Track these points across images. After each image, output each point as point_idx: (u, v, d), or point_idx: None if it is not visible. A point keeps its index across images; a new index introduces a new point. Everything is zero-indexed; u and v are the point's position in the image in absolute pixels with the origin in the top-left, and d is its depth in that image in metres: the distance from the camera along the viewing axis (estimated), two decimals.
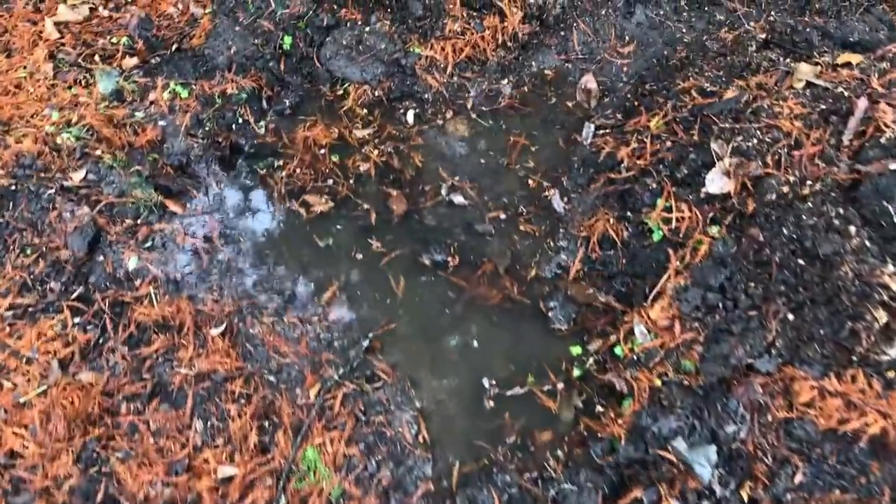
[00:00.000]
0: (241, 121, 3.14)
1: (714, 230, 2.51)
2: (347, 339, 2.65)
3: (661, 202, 2.63)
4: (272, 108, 3.20)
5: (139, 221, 2.86)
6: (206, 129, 3.11)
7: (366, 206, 2.97)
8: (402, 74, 3.27)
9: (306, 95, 3.27)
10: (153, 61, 3.35)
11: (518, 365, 2.59)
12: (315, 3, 3.33)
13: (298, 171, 3.05)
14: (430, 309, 2.72)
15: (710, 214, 2.54)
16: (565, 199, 2.97)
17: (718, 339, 2.37)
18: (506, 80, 3.34)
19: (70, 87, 3.23)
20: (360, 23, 3.32)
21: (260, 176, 3.03)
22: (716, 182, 2.52)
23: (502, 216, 2.95)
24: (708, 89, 2.81)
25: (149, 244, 2.82)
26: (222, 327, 2.60)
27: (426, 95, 3.27)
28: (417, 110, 3.24)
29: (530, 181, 3.05)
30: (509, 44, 3.38)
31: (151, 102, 3.17)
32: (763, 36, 2.94)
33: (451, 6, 3.34)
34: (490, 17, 3.37)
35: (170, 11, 3.55)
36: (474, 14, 3.37)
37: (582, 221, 2.87)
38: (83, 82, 3.25)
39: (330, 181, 3.03)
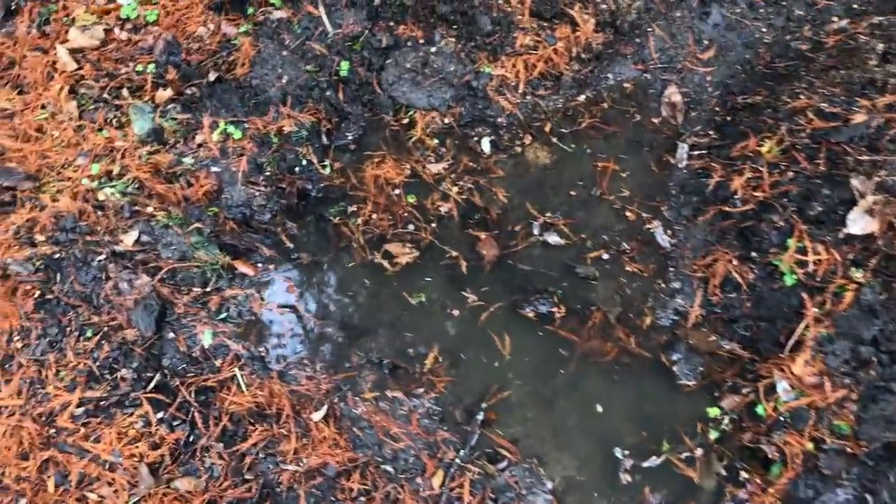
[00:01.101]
0: (304, 162, 2.81)
1: (858, 274, 2.30)
2: (460, 411, 2.41)
3: (792, 242, 2.41)
4: (334, 144, 2.88)
5: (208, 289, 2.55)
6: (267, 174, 2.77)
7: (453, 252, 2.70)
8: (472, 98, 2.97)
9: (369, 126, 2.94)
10: (189, 92, 2.98)
11: (648, 429, 2.38)
12: (370, 20, 2.98)
13: (374, 216, 2.75)
14: (542, 369, 2.48)
15: (852, 256, 2.32)
16: (669, 232, 2.73)
17: (876, 398, 2.18)
18: (583, 97, 3.05)
19: (101, 130, 2.86)
20: (422, 42, 2.98)
21: (334, 224, 2.73)
22: (858, 222, 2.29)
23: (604, 255, 2.70)
24: (826, 110, 2.57)
25: (223, 315, 2.51)
26: (323, 410, 2.33)
27: (500, 119, 2.98)
28: (492, 137, 2.95)
29: (628, 213, 2.80)
30: (583, 55, 3.09)
31: (200, 145, 2.82)
32: (881, 47, 2.69)
33: (520, 17, 3.02)
34: (562, 27, 3.07)
35: (198, 32, 3.16)
36: (545, 25, 3.06)
37: (695, 259, 2.63)
38: (115, 122, 2.88)
39: (410, 226, 2.74)
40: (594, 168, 2.91)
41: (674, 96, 3.06)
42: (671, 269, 2.67)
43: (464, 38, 3.00)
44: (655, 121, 3.01)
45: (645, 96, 3.07)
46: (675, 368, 2.48)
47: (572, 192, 2.85)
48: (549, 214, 2.79)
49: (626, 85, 3.09)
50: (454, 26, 3.00)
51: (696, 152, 2.89)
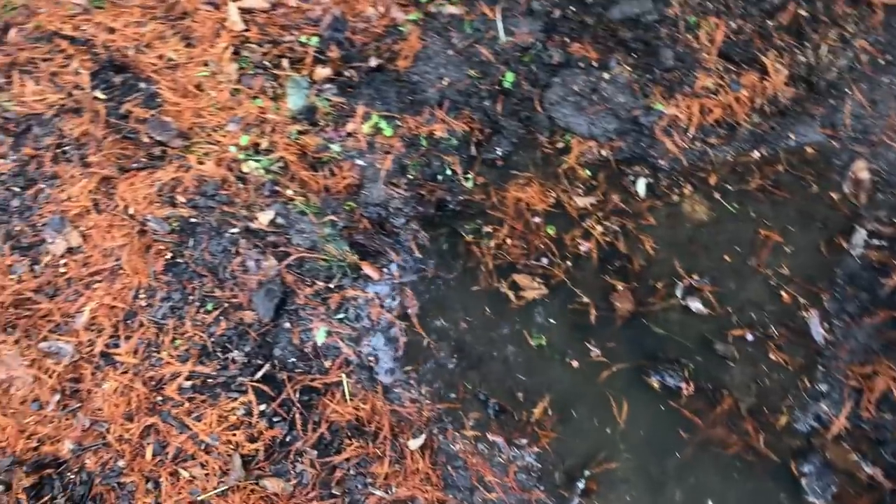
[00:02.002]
0: (448, 171, 2.69)
1: None
2: (560, 473, 2.26)
3: None
4: (481, 157, 2.74)
5: (332, 285, 2.48)
6: (410, 177, 2.67)
7: (585, 298, 2.51)
8: (636, 133, 2.74)
9: (521, 143, 2.78)
10: (347, 75, 2.89)
11: None
12: (544, 33, 2.79)
13: (509, 241, 2.60)
14: (656, 447, 2.29)
15: None
16: (827, 326, 2.45)
17: None
18: (757, 153, 2.77)
19: (256, 98, 2.82)
20: (595, 65, 2.77)
21: (465, 243, 2.60)
22: None
23: (748, 336, 2.46)
24: None
25: (341, 315, 2.44)
26: (421, 439, 2.23)
27: (661, 162, 2.74)
28: (650, 180, 2.72)
29: (783, 293, 2.53)
30: (767, 108, 2.80)
31: (349, 134, 2.74)
32: None
33: (706, 57, 2.75)
34: (749, 74, 2.78)
35: (367, 13, 3.07)
36: (732, 69, 2.78)
37: (851, 365, 2.35)
38: (270, 92, 2.84)
39: (544, 260, 2.57)
40: (755, 235, 2.65)
41: (861, 172, 2.74)
42: (821, 368, 2.40)
43: (640, 69, 2.78)
44: (834, 196, 2.71)
45: (827, 166, 2.76)
46: (803, 481, 2.24)
47: (726, 257, 2.61)
48: (695, 277, 2.56)
49: (808, 149, 2.79)
50: (633, 55, 2.78)
51: (876, 242, 2.58)
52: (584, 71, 2.79)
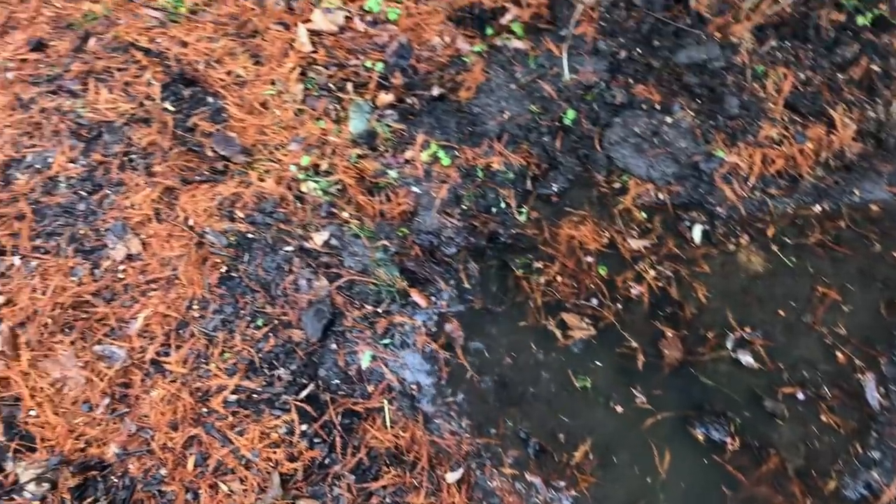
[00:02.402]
0: (502, 204, 2.69)
1: None
2: None
3: None
4: (536, 192, 2.73)
5: (380, 309, 2.49)
6: (464, 208, 2.68)
7: (633, 343, 2.48)
8: (695, 179, 2.71)
9: (577, 181, 2.76)
10: (409, 102, 2.93)
11: None
12: (609, 73, 2.78)
13: (559, 278, 2.58)
14: (697, 501, 2.23)
15: None
16: (883, 391, 2.37)
17: None
18: (819, 207, 2.71)
19: (318, 119, 2.86)
20: (658, 108, 2.75)
21: (515, 277, 2.59)
22: None
23: (799, 395, 2.39)
24: None
25: (387, 340, 2.45)
26: (459, 473, 2.22)
27: (719, 209, 2.70)
28: (707, 227, 2.68)
29: (838, 353, 2.46)
30: (832, 162, 2.74)
31: (407, 161, 2.76)
32: None
33: (772, 107, 2.72)
34: (816, 126, 2.73)
35: (433, 42, 3.10)
36: (798, 120, 2.74)
37: None
38: (333, 114, 2.89)
39: (594, 300, 2.55)
40: (812, 291, 2.59)
41: None
42: (874, 434, 2.33)
43: (704, 115, 2.75)
44: None
45: (892, 225, 2.69)
46: None
47: (780, 312, 2.56)
48: (747, 329, 2.52)
49: (873, 207, 2.73)
50: (697, 100, 2.76)
51: None
52: (647, 113, 2.78)
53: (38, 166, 2.75)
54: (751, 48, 2.79)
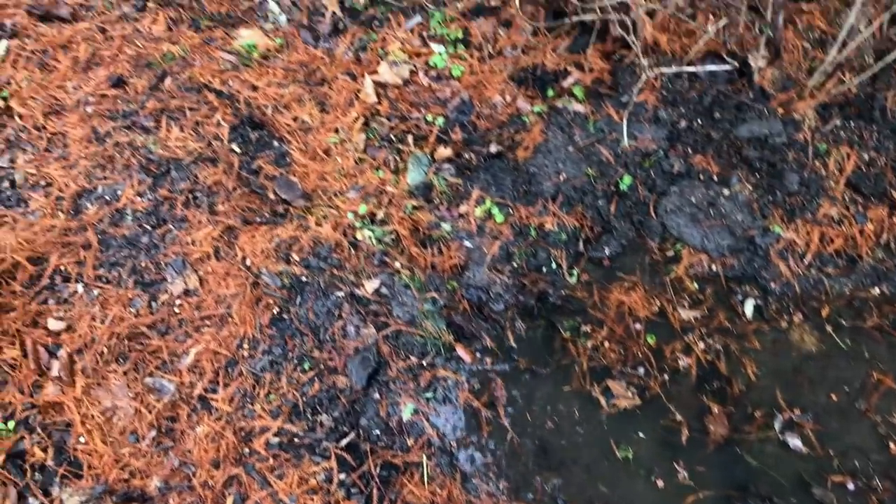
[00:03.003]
0: (553, 265, 2.70)
1: None
2: None
3: None
4: (588, 255, 2.73)
5: (424, 362, 2.50)
6: (514, 265, 2.69)
7: (679, 416, 2.44)
8: (750, 253, 2.68)
9: (629, 247, 2.76)
10: (466, 157, 2.97)
11: None
12: (668, 141, 2.79)
13: (607, 344, 2.56)
14: None
15: None
16: None
17: None
18: (878, 290, 2.65)
19: (378, 169, 2.92)
20: (715, 180, 2.75)
21: (562, 339, 2.58)
22: None
23: (849, 484, 2.31)
24: None
25: (429, 394, 2.46)
26: None
27: (773, 285, 2.66)
28: (760, 302, 2.64)
29: (892, 444, 2.37)
30: (893, 245, 2.68)
31: (461, 215, 2.80)
32: None
33: (832, 185, 2.68)
34: (878, 208, 2.69)
35: (494, 100, 3.16)
36: (859, 200, 2.69)
37: None
38: (392, 165, 2.94)
39: (641, 369, 2.52)
40: (867, 377, 2.52)
41: None
42: None
43: (762, 190, 2.74)
44: None
45: None
46: None
47: (832, 395, 2.49)
48: (797, 411, 2.46)
49: None
50: (756, 174, 2.75)
51: None
52: (704, 184, 2.78)
53: (107, 198, 2.87)
54: (814, 126, 2.78)
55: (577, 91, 3.00)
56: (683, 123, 2.83)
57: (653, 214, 2.78)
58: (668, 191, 2.77)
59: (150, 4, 3.47)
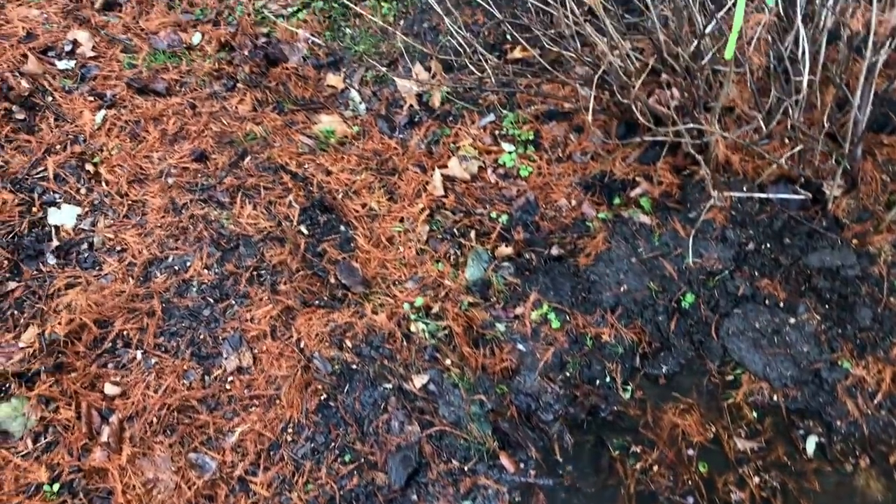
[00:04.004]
0: (607, 378, 2.63)
1: None
2: None
3: None
4: (644, 371, 2.65)
5: (466, 467, 2.45)
6: (567, 375, 2.64)
7: None
8: (815, 387, 2.56)
9: (687, 366, 2.67)
10: (526, 257, 2.96)
11: None
12: (734, 262, 2.73)
13: (656, 468, 2.46)
14: None
15: None
16: None
17: None
18: None
19: (438, 261, 2.94)
20: (782, 307, 2.66)
21: (610, 457, 2.49)
22: None
23: None
24: None
25: (468, 502, 2.38)
26: None
27: (839, 423, 2.52)
28: (822, 440, 2.51)
29: None
30: None
31: (517, 317, 2.77)
32: None
33: None
34: None
35: (560, 202, 3.17)
36: None
37: None
38: (452, 258, 2.96)
39: (690, 499, 2.40)
40: None
41: None
42: None
43: (831, 321, 2.64)
44: None
45: None
46: None
47: None
48: None
49: None
50: (825, 305, 2.66)
51: None
52: (769, 310, 2.70)
53: (176, 268, 2.96)
54: (890, 261, 2.69)
55: (645, 202, 3.00)
56: (751, 245, 2.78)
57: (714, 335, 2.71)
58: (732, 313, 2.71)
59: (240, 85, 3.66)
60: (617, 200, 3.06)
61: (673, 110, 2.95)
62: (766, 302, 2.70)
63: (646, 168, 3.10)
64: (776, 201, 2.79)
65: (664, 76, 3.17)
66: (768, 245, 2.78)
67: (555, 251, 2.99)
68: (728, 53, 2.06)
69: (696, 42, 2.60)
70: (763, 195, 2.77)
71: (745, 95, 2.95)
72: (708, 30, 2.59)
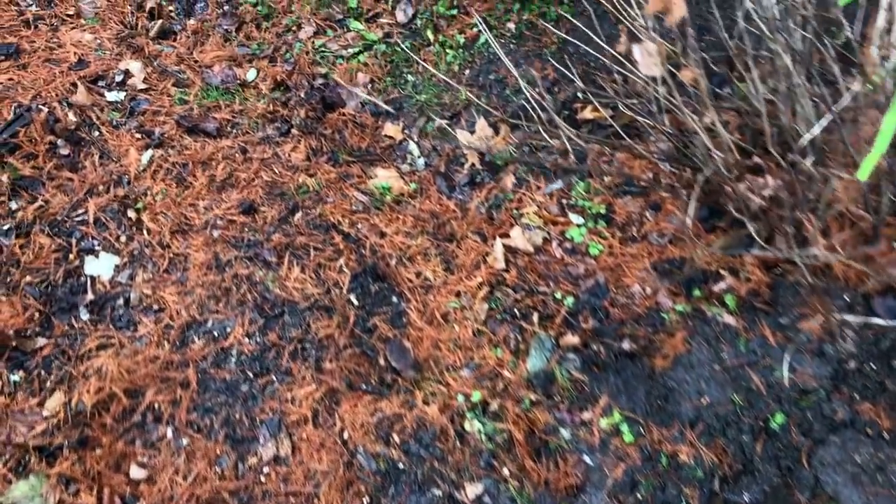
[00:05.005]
0: (682, 503, 2.32)
1: None
2: None
3: None
4: (724, 495, 2.35)
5: None
6: (639, 497, 2.35)
7: None
8: None
9: (772, 495, 2.37)
10: (595, 348, 2.68)
11: None
12: (832, 381, 2.42)
13: None
14: None
15: None
16: None
17: None
18: None
19: (496, 347, 2.67)
20: (886, 437, 2.34)
21: None
22: None
23: None
24: None
25: None
26: None
27: None
28: None
29: None
30: None
31: (584, 423, 2.49)
32: None
33: None
34: None
35: (632, 288, 2.88)
36: None
37: None
38: (512, 344, 2.69)
39: None
40: None
41: None
42: None
43: None
44: None
45: None
46: None
47: None
48: None
49: None
50: None
51: None
52: (872, 441, 2.39)
53: (215, 333, 2.74)
54: None
55: (729, 300, 2.70)
56: (853, 364, 2.47)
57: (805, 463, 2.40)
58: (827, 440, 2.40)
59: (294, 131, 3.45)
60: (697, 292, 2.76)
61: (767, 200, 2.66)
62: (868, 431, 2.39)
63: (731, 260, 2.81)
64: (884, 314, 2.48)
65: (756, 157, 2.89)
66: (872, 365, 2.47)
67: (626, 345, 2.71)
68: (863, 174, 1.77)
69: (806, 139, 2.31)
70: (868, 319, 2.46)
71: (851, 192, 2.64)
72: (818, 130, 2.30)
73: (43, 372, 2.62)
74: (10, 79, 3.54)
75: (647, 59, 2.16)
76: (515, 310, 2.88)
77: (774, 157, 2.59)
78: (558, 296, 2.91)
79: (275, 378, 2.63)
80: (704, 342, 2.64)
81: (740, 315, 2.68)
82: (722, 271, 2.83)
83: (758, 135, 2.71)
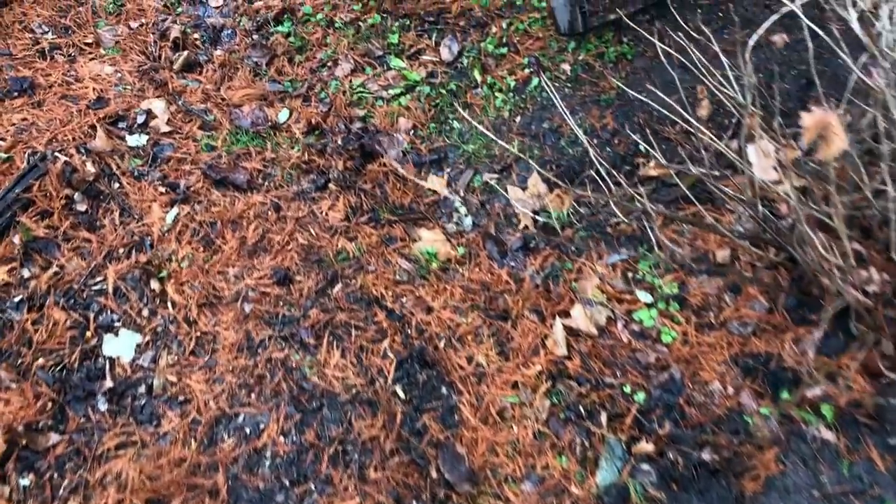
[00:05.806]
0: None
1: None
2: None
3: None
4: None
5: None
6: None
7: None
8: None
9: None
10: (671, 458, 2.37)
11: None
12: None
13: None
14: None
15: None
16: None
17: None
18: None
19: (561, 454, 2.37)
20: None
21: None
22: None
23: None
24: None
25: None
26: None
27: None
28: None
29: None
30: None
31: None
32: None
33: None
34: None
35: (711, 385, 2.57)
36: None
37: None
38: (579, 452, 2.40)
39: None
40: None
41: None
42: None
43: None
44: None
45: None
46: None
47: None
48: None
49: None
50: None
51: None
52: None
53: (247, 430, 2.44)
54: None
55: (826, 410, 2.38)
56: None
57: None
58: None
59: (332, 185, 3.13)
60: (786, 395, 2.44)
61: (871, 297, 2.33)
62: None
63: (827, 361, 2.48)
64: None
65: (855, 242, 2.55)
66: None
67: (707, 456, 2.39)
68: None
69: None
70: None
71: None
72: None
73: (56, 475, 2.33)
74: (24, 119, 3.24)
75: (764, 161, 1.82)
76: (580, 406, 2.56)
77: (878, 245, 2.25)
78: (627, 389, 2.59)
79: (314, 487, 2.33)
80: (800, 461, 2.32)
81: (841, 430, 2.36)
82: (816, 374, 2.49)
83: (856, 215, 2.37)
